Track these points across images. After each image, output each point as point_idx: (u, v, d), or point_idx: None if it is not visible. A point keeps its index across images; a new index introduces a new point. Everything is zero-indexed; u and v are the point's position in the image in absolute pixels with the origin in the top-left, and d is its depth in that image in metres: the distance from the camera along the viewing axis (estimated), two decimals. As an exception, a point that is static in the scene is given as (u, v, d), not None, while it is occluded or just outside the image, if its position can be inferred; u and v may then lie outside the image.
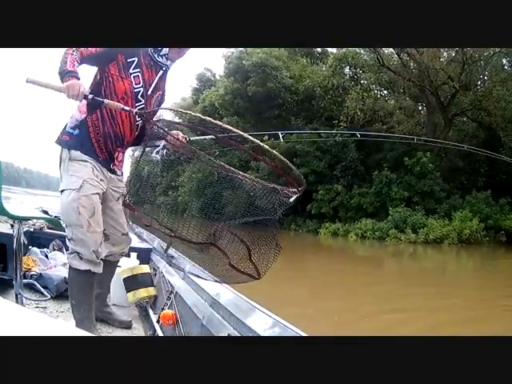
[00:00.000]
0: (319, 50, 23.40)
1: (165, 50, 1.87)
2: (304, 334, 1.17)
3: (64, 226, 1.90)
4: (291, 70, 20.25)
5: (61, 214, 1.91)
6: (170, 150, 1.88)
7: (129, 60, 1.85)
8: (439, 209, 16.22)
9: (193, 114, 1.53)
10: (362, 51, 19.52)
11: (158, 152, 1.91)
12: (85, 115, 1.86)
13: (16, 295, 2.09)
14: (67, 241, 1.90)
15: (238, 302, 1.59)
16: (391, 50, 19.24)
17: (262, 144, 1.41)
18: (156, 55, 1.88)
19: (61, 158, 1.89)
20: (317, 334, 1.18)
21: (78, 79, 1.71)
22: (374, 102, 18.56)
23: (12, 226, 2.26)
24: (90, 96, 1.74)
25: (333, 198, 17.89)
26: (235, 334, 1.44)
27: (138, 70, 1.86)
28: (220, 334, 1.51)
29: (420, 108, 21.12)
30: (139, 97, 1.89)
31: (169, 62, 1.93)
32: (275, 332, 1.27)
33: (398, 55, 18.94)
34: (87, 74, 1.91)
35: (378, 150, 18.75)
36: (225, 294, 1.72)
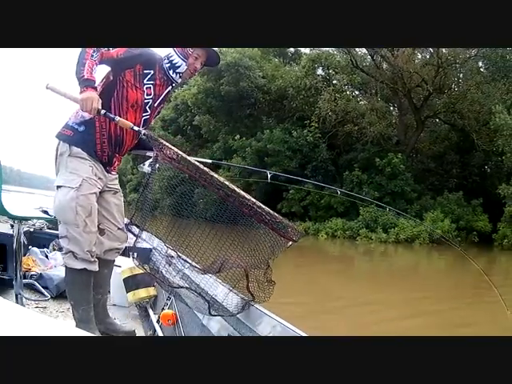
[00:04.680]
0: (292, 50, 23.06)
1: (181, 68, 1.85)
2: (304, 334, 1.15)
3: (58, 222, 1.83)
4: (264, 70, 19.97)
5: (55, 210, 1.83)
6: (162, 162, 1.83)
7: (145, 71, 1.82)
8: (410, 209, 16.13)
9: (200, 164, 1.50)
10: (335, 52, 19.28)
11: (150, 165, 1.89)
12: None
13: (16, 295, 2.03)
14: (60, 238, 1.82)
15: (238, 302, 1.55)
16: (364, 51, 18.97)
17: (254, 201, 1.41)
18: (171, 71, 1.86)
19: (57, 152, 1.82)
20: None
21: (95, 89, 1.66)
22: (346, 103, 18.26)
23: (12, 226, 2.21)
24: (103, 111, 1.68)
25: (303, 197, 17.63)
26: (235, 334, 1.40)
27: (152, 82, 1.84)
28: (220, 334, 1.48)
29: (392, 109, 20.86)
30: (147, 107, 1.87)
31: (180, 80, 1.91)
32: (275, 332, 1.24)
33: (372, 57, 18.74)
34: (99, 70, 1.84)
35: (349, 151, 18.64)
36: (224, 293, 1.67)
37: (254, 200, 1.45)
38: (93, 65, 1.66)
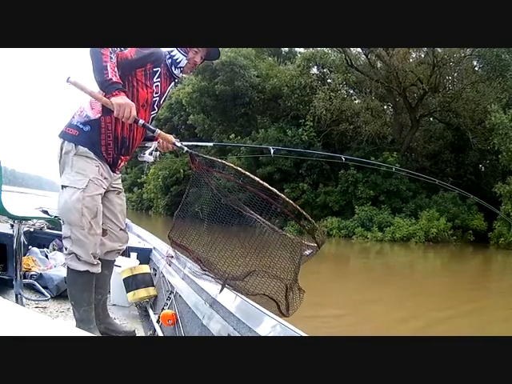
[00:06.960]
0: (286, 49, 22.90)
1: (182, 63, 1.82)
2: (304, 334, 1.14)
3: (62, 222, 1.78)
4: (259, 69, 19.80)
5: (60, 211, 1.76)
6: (163, 151, 1.89)
7: (154, 69, 1.78)
8: (405, 208, 16.23)
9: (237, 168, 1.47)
10: (329, 51, 19.14)
11: (150, 153, 1.89)
12: (99, 115, 1.73)
13: (16, 295, 2.02)
14: (63, 238, 1.77)
15: (237, 302, 1.54)
16: (359, 50, 18.88)
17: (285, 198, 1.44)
18: (173, 67, 1.84)
19: (62, 151, 1.74)
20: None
21: (126, 93, 1.61)
22: (340, 101, 18.17)
23: (12, 225, 2.20)
24: (141, 121, 1.63)
25: (298, 196, 17.50)
26: (235, 334, 1.39)
27: (159, 80, 1.81)
28: (220, 334, 1.47)
29: (387, 108, 20.77)
30: (155, 106, 1.84)
31: (181, 75, 1.89)
32: (275, 332, 1.23)
33: (366, 56, 18.66)
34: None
35: (344, 150, 18.49)
36: (225, 294, 1.65)
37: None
38: (114, 67, 1.59)
